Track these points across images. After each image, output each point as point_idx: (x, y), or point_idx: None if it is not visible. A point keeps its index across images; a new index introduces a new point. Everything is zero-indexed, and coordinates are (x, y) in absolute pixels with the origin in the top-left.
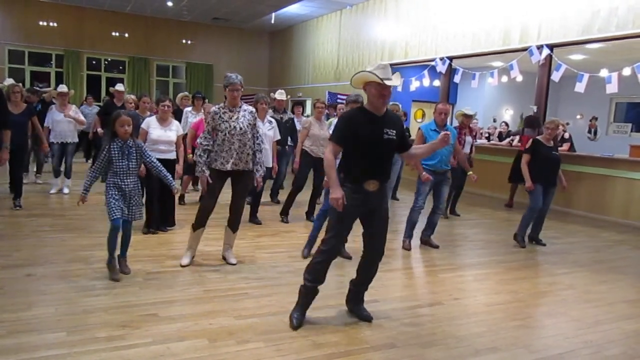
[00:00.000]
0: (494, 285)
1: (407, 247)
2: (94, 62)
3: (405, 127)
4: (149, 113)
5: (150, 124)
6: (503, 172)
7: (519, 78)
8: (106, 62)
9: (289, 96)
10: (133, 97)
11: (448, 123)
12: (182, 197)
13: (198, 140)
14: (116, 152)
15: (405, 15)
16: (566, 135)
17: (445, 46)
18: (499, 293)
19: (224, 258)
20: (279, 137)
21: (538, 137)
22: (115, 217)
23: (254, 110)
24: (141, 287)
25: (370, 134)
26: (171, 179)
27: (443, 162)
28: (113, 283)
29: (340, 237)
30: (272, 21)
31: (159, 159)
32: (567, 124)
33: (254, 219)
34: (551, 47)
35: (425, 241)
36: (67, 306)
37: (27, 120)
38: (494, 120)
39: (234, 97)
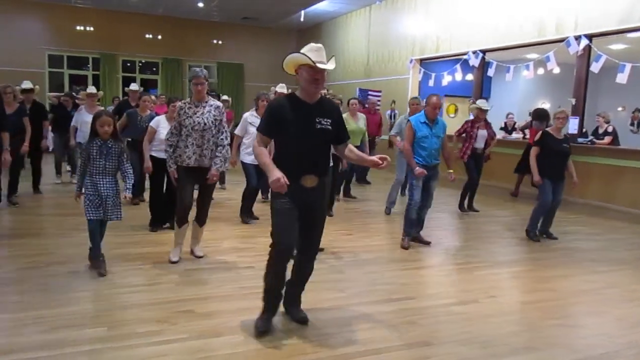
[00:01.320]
0: (531, 283)
1: (405, 246)
2: (128, 64)
3: None
4: (148, 112)
5: (160, 123)
6: None
7: (556, 70)
8: (140, 64)
9: (289, 90)
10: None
11: (446, 115)
12: None
13: (165, 136)
14: (94, 151)
15: (436, 9)
16: (609, 129)
17: (477, 39)
18: (535, 291)
19: (192, 252)
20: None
21: (547, 129)
22: (89, 217)
23: (220, 105)
24: (177, 283)
25: (300, 123)
26: (130, 187)
27: (433, 157)
28: (150, 280)
29: (286, 242)
30: (302, 19)
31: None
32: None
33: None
34: (590, 37)
35: (415, 238)
36: (105, 302)
37: (19, 120)
38: (530, 114)
39: (198, 90)
